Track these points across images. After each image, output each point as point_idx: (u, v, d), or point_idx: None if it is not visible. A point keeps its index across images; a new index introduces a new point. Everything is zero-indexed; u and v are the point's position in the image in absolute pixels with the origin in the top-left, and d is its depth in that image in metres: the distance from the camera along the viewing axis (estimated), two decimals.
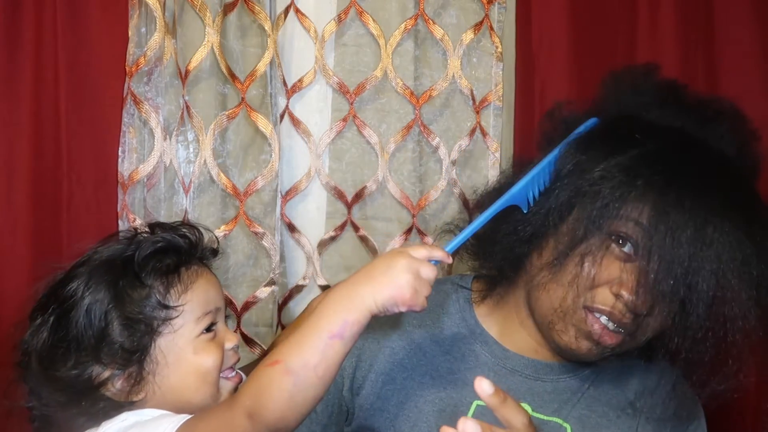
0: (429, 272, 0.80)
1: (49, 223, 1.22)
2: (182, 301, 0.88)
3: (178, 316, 0.87)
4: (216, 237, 1.00)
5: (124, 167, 1.27)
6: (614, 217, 0.90)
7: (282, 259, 1.39)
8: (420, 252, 0.81)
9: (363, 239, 1.43)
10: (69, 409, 0.88)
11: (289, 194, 1.40)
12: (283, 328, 1.40)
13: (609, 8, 1.49)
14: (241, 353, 0.98)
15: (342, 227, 1.43)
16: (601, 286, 0.92)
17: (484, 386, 0.77)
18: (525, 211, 0.94)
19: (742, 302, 0.88)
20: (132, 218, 1.26)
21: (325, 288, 1.42)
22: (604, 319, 0.92)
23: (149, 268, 0.88)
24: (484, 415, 0.91)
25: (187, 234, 0.92)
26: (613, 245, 0.91)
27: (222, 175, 1.34)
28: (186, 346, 0.88)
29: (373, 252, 1.43)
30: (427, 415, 0.97)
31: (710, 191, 0.90)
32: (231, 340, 0.92)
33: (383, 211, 1.45)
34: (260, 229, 1.35)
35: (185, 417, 0.83)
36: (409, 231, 1.44)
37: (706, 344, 0.89)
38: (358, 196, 1.43)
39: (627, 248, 0.91)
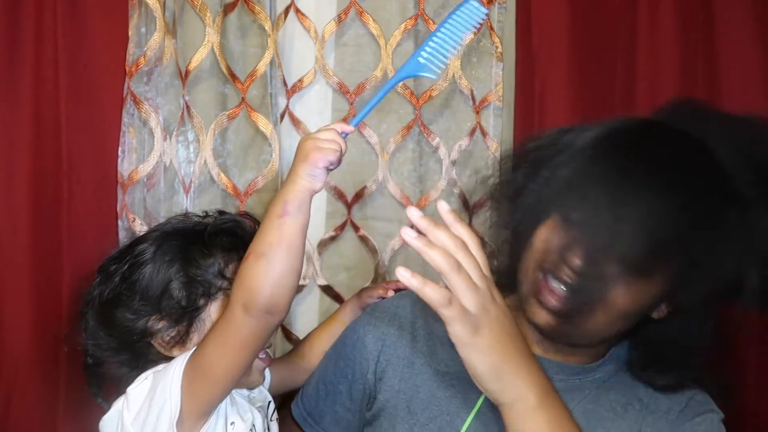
0: (326, 134, 0.89)
1: (49, 223, 1.22)
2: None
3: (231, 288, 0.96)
4: None
5: (124, 167, 1.27)
6: (559, 193, 0.96)
7: None
8: (323, 133, 0.90)
9: (363, 239, 1.43)
10: (119, 354, 0.99)
11: None
12: (283, 327, 1.40)
13: (609, 9, 1.49)
14: None
15: (342, 227, 1.43)
16: (550, 253, 0.95)
17: (412, 212, 0.85)
18: (434, 77, 0.99)
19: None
20: (132, 218, 1.26)
21: (325, 288, 1.42)
22: (550, 278, 0.94)
23: (216, 241, 1.00)
24: (490, 408, 0.93)
25: (248, 223, 1.04)
26: (557, 218, 0.96)
27: (222, 175, 1.34)
28: None
29: (373, 252, 1.43)
30: (439, 399, 1.02)
31: (649, 158, 0.92)
32: None
33: (383, 211, 1.45)
34: None
35: (191, 351, 0.93)
36: None
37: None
38: (358, 196, 1.43)
39: (566, 219, 0.95)
